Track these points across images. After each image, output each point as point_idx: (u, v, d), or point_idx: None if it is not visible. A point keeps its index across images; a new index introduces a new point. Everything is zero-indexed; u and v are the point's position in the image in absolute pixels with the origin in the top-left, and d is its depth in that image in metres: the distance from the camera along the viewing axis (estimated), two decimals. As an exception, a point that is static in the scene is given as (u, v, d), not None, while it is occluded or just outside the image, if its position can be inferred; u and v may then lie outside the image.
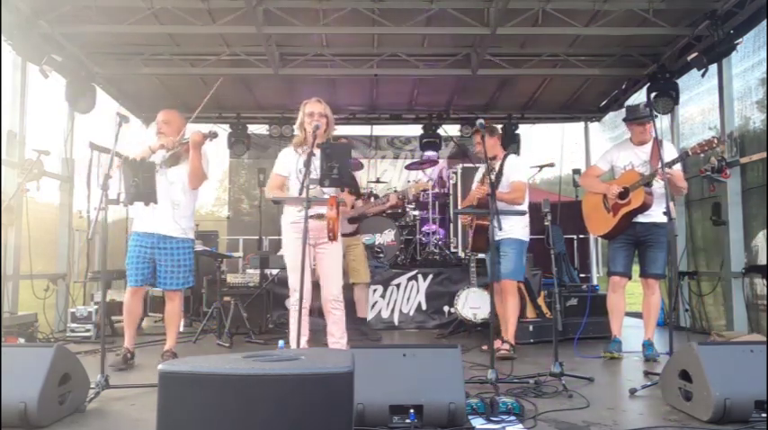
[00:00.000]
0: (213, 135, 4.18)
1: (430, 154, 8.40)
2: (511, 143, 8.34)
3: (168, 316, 4.36)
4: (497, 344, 4.38)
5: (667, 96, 6.45)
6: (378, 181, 8.17)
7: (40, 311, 5.46)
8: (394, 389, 2.60)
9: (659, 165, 3.88)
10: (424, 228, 7.30)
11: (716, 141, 4.01)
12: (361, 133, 9.23)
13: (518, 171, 4.67)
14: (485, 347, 4.57)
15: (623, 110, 6.62)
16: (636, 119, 4.45)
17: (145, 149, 4.02)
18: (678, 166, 4.25)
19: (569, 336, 5.26)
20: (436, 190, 7.63)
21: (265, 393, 1.83)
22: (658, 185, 4.16)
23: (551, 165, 6.95)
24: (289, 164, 3.88)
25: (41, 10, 5.50)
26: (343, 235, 5.55)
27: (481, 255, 5.32)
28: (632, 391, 3.29)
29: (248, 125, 8.68)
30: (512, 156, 4.85)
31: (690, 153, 4.10)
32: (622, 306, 4.59)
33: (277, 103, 8.26)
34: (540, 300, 5.70)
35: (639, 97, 7.25)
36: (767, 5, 4.87)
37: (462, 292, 5.82)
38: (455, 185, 6.75)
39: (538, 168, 6.87)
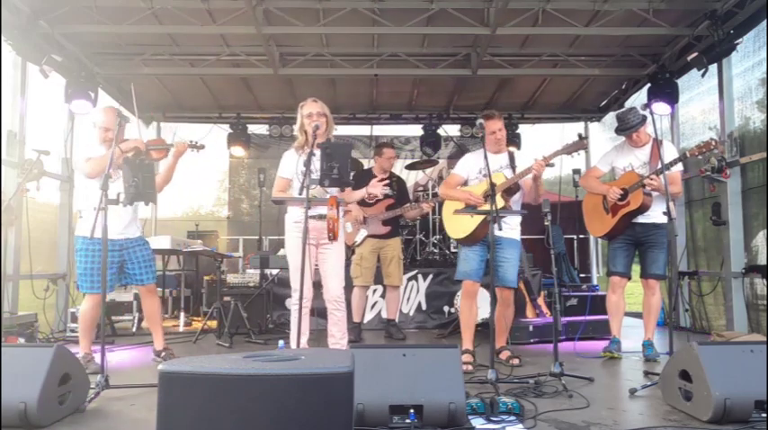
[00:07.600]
0: (200, 147, 4.22)
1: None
2: (511, 143, 8.34)
3: (153, 312, 4.32)
4: (505, 355, 4.31)
5: (665, 98, 6.43)
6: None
7: (40, 311, 5.45)
8: (394, 389, 2.59)
9: (658, 166, 3.86)
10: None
11: (714, 143, 3.99)
12: (361, 133, 9.22)
13: None
14: (505, 357, 4.33)
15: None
16: (623, 131, 4.41)
17: (115, 151, 3.88)
18: (678, 167, 4.24)
19: (569, 336, 5.27)
20: (436, 190, 7.63)
21: (265, 393, 1.83)
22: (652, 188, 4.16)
23: (551, 164, 6.93)
24: (291, 166, 3.87)
25: (41, 10, 5.49)
26: (376, 236, 5.58)
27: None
28: (632, 391, 3.29)
29: (248, 125, 8.69)
30: (515, 150, 4.78)
31: (688, 155, 4.10)
32: (622, 306, 4.59)
33: (277, 103, 8.25)
34: (540, 300, 5.70)
35: (640, 97, 7.24)
36: (767, 5, 4.87)
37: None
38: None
39: None
